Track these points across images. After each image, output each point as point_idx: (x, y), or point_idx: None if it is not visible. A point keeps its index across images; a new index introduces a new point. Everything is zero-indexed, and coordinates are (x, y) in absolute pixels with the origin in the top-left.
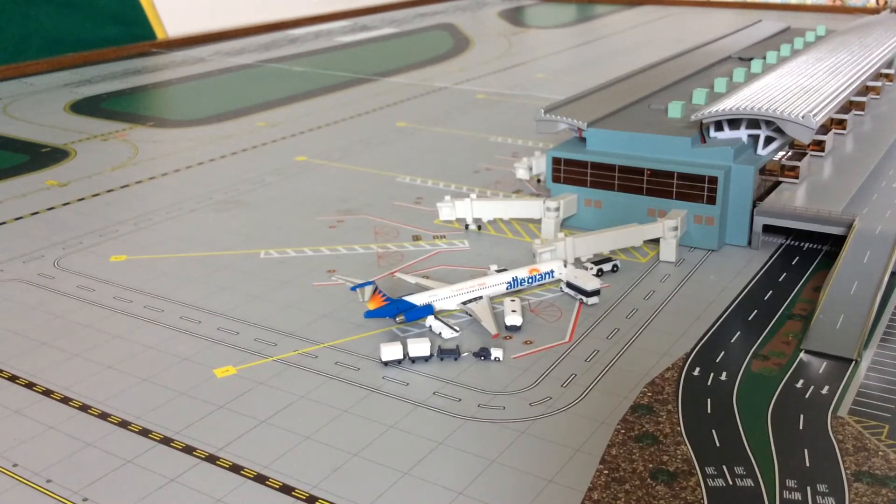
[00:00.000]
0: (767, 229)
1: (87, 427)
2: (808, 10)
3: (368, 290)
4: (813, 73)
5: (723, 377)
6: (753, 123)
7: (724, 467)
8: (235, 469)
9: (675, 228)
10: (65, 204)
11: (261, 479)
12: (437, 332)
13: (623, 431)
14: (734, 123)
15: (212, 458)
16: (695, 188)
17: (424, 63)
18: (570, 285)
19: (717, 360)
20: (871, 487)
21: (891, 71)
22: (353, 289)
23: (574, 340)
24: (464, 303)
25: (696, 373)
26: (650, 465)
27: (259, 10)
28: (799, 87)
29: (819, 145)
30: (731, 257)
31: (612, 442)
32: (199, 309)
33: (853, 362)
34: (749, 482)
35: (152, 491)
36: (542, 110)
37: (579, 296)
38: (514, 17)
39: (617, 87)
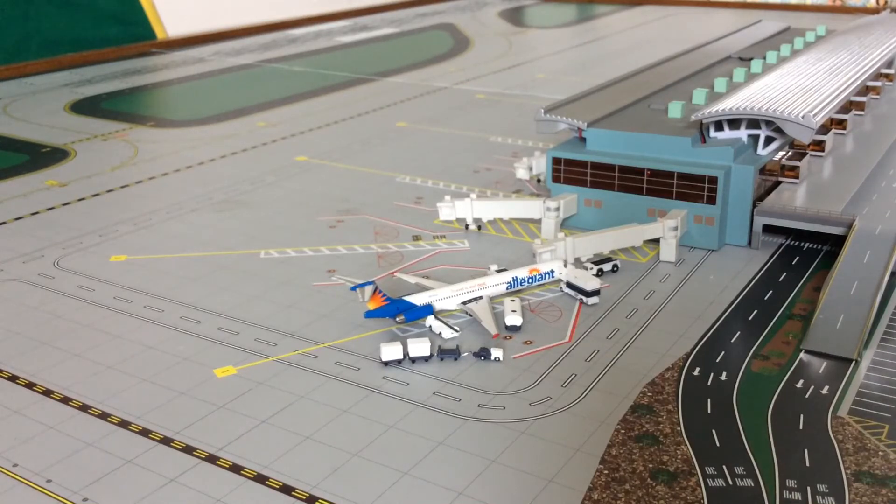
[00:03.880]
0: (767, 229)
1: (87, 427)
2: (808, 10)
3: (368, 290)
4: (813, 73)
5: (723, 377)
6: (753, 123)
7: (724, 467)
8: (235, 469)
9: (675, 228)
10: (65, 204)
11: (261, 479)
12: (437, 332)
13: (623, 431)
14: (734, 123)
15: (212, 458)
16: (695, 188)
17: (424, 63)
18: (570, 285)
19: (717, 360)
20: (871, 487)
21: (891, 71)
22: (353, 289)
23: (574, 340)
24: (464, 303)
25: (696, 373)
26: (650, 465)
27: (259, 10)
28: (799, 87)
29: (819, 145)
30: (731, 257)
31: (612, 442)
32: (199, 309)
33: (853, 362)
34: (749, 482)
35: (152, 491)
36: (542, 110)
37: (579, 296)
38: (514, 17)
39: (617, 87)
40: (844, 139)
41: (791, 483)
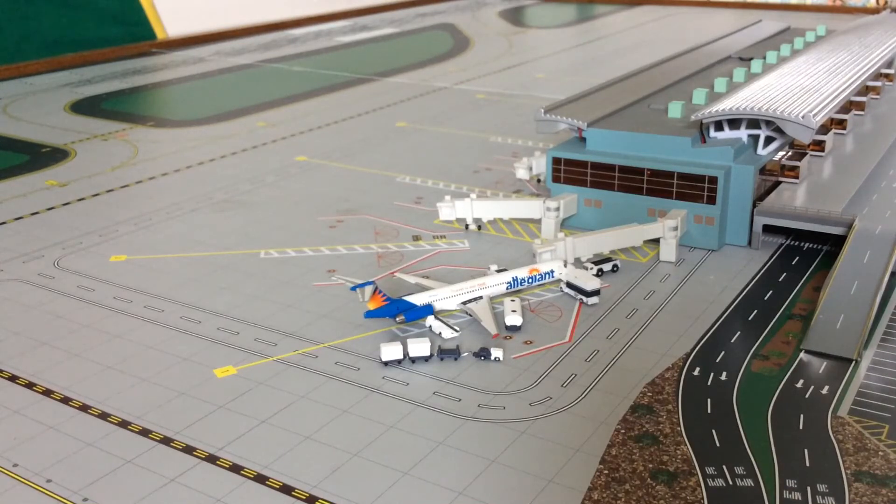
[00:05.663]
0: (767, 229)
1: (87, 427)
2: (808, 10)
3: (368, 290)
4: (813, 73)
5: (723, 377)
6: (753, 123)
7: (724, 467)
8: (235, 469)
9: (675, 228)
10: (65, 204)
11: (261, 479)
12: (437, 332)
13: (623, 431)
14: (734, 123)
15: (212, 458)
16: (695, 188)
17: (424, 63)
18: (570, 285)
19: (717, 360)
20: (871, 487)
21: (891, 71)
22: (353, 289)
23: (574, 340)
24: (464, 303)
25: (696, 373)
26: (650, 465)
27: (259, 10)
28: (799, 87)
29: (819, 145)
30: (731, 257)
31: (612, 442)
32: (199, 309)
33: (853, 362)
34: (749, 482)
35: (152, 491)
36: (542, 110)
37: (579, 296)
38: (514, 17)
39: (617, 87)
40: (844, 139)
41: (791, 483)
